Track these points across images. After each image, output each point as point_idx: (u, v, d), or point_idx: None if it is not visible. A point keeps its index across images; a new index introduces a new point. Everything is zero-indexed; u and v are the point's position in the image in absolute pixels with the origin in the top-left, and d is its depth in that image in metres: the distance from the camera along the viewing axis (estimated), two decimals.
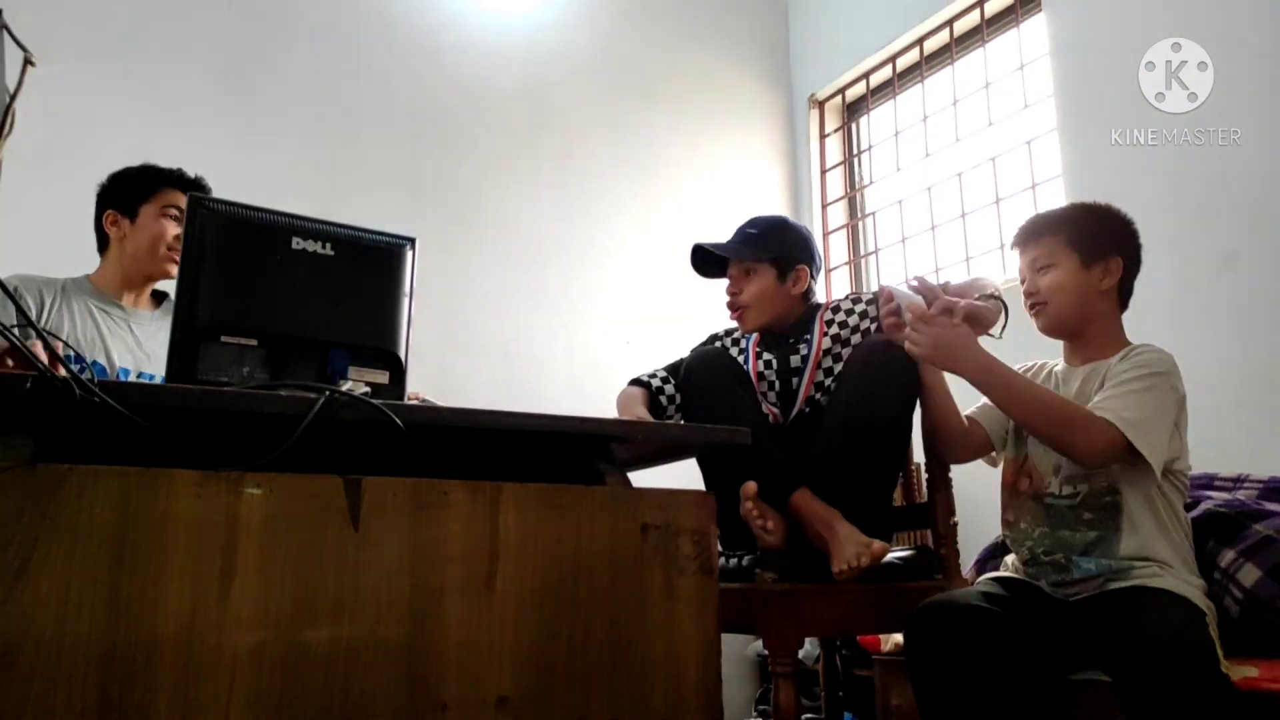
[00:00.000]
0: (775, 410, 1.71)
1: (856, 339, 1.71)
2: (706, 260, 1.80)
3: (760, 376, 1.74)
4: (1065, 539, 1.41)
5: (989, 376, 1.41)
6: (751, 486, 1.46)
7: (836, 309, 1.76)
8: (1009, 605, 1.34)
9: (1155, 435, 1.32)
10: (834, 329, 1.73)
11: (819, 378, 1.69)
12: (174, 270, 1.78)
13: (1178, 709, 1.11)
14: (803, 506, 1.49)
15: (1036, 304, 1.51)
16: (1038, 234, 1.53)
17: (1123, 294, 1.52)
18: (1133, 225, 1.53)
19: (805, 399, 1.69)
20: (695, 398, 1.63)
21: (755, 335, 1.80)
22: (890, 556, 1.60)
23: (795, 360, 1.72)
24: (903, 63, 3.57)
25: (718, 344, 1.86)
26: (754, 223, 1.80)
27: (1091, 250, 1.48)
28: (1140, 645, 1.16)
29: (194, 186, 1.81)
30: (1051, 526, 1.44)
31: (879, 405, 1.53)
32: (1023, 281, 1.55)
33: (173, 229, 1.78)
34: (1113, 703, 1.19)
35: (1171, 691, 1.11)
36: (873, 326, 1.70)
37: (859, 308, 1.75)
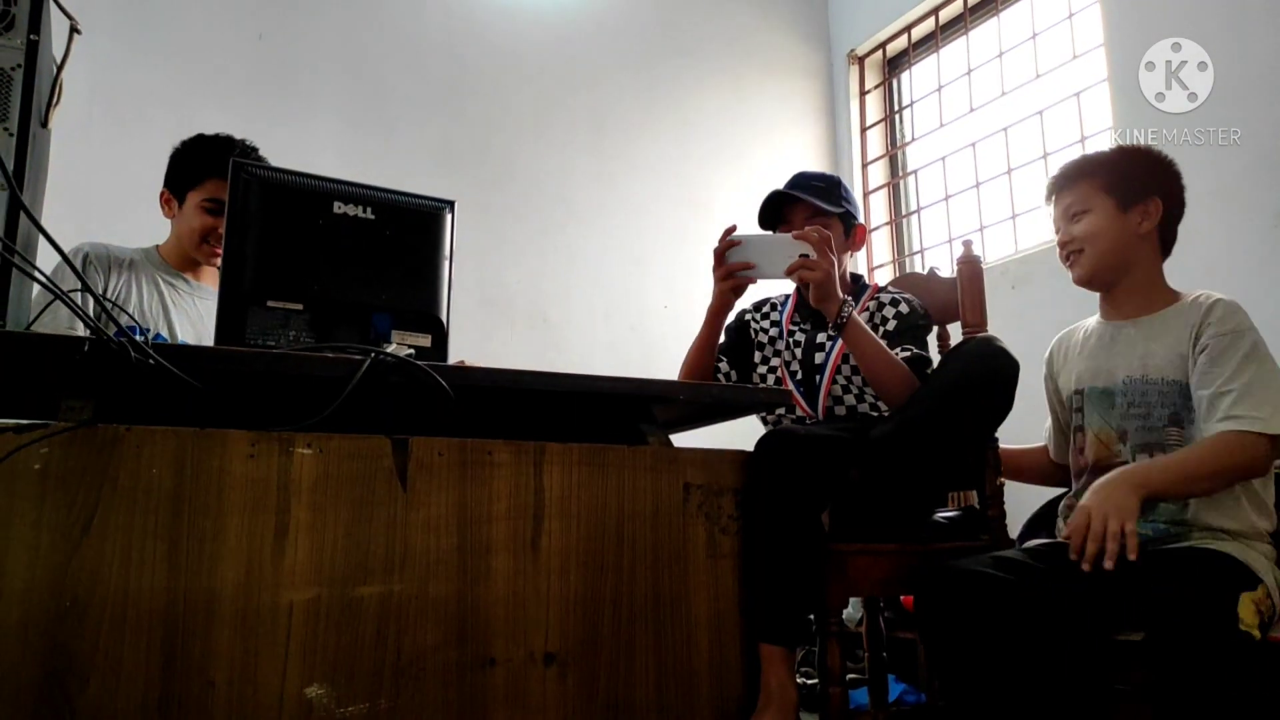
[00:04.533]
0: (801, 400, 1.69)
1: (887, 326, 1.68)
2: (772, 210, 1.76)
3: (790, 352, 1.72)
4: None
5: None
6: None
7: (879, 302, 1.71)
8: (1032, 573, 1.30)
9: (1273, 407, 1.24)
10: (871, 306, 1.70)
11: (842, 368, 1.66)
12: (215, 262, 1.79)
13: (1190, 668, 1.10)
14: (771, 664, 1.28)
15: (1072, 253, 1.44)
16: (1072, 180, 1.45)
17: (1164, 239, 1.43)
18: (1174, 166, 1.43)
19: (828, 394, 1.66)
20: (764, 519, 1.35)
21: (790, 307, 1.78)
22: (937, 516, 1.59)
23: (821, 337, 1.70)
24: (946, 15, 3.47)
25: (747, 317, 1.83)
26: (814, 176, 1.77)
27: (1129, 193, 1.39)
28: (1159, 602, 1.14)
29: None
30: None
31: (969, 412, 1.44)
32: (1057, 231, 1.47)
33: (209, 222, 1.73)
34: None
35: (1183, 650, 1.10)
36: (893, 325, 1.66)
37: (889, 307, 1.70)
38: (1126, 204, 1.40)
